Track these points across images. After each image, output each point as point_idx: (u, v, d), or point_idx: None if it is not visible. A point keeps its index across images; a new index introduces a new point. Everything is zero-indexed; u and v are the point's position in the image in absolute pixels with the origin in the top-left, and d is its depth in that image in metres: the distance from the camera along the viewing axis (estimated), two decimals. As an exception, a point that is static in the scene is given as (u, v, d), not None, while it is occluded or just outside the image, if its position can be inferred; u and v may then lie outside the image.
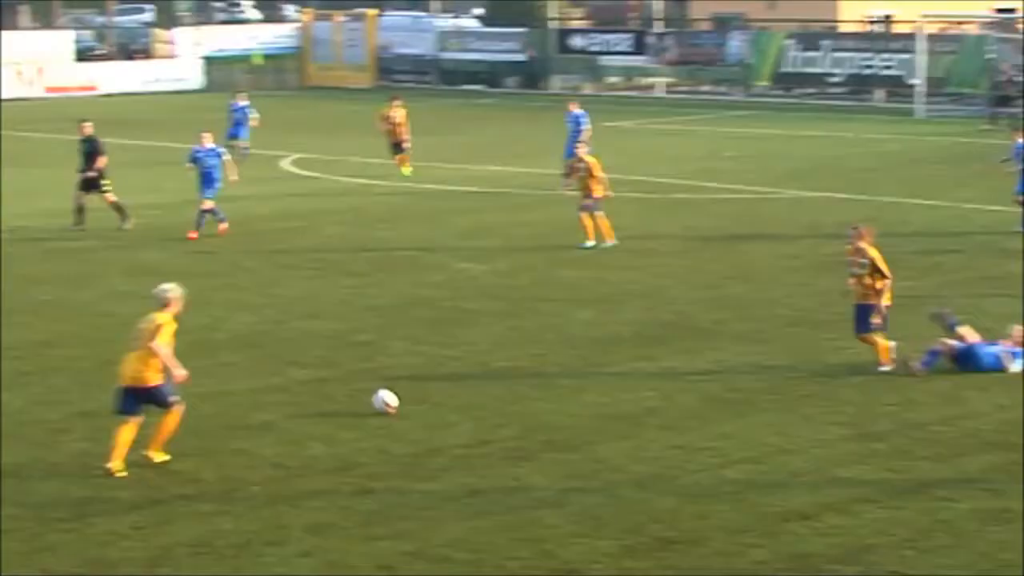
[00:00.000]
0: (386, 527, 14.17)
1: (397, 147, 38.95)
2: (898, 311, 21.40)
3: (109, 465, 15.51)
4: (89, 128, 31.43)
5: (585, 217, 28.51)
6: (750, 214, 32.69)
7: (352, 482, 15.43)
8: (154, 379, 15.76)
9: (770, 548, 13.67)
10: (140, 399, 15.76)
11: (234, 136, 41.35)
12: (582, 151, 29.50)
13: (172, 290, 16.08)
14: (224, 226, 29.71)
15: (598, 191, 28.67)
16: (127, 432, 15.67)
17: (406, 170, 38.27)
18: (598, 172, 28.81)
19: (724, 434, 16.98)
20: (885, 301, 19.43)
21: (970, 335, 19.60)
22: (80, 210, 30.72)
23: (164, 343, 15.63)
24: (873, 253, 19.55)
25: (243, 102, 42.38)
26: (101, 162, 30.84)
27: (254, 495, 15.08)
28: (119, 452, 15.61)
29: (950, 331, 19.64)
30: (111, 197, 30.80)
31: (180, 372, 15.66)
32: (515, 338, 21.55)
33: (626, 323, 22.53)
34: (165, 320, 15.88)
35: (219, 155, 30.14)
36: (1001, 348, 19.44)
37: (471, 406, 18.15)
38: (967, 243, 28.71)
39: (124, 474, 15.55)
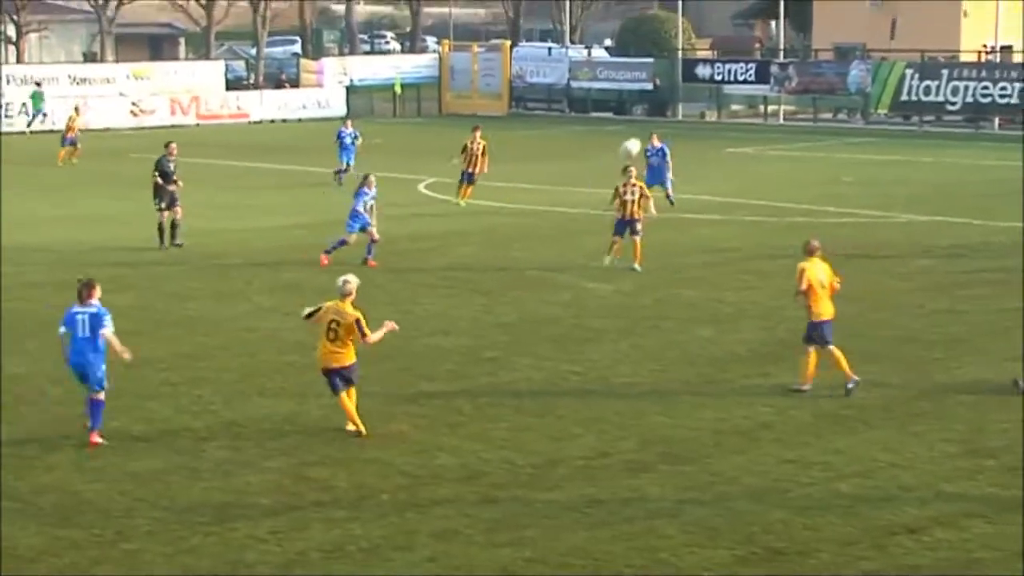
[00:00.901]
0: (509, 534, 14.20)
1: (469, 177, 37.42)
2: (1004, 334, 21.13)
3: (352, 427, 17.41)
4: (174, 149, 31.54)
5: (619, 239, 28.15)
6: (866, 237, 32.34)
7: (477, 491, 15.47)
8: (351, 359, 17.64)
9: (879, 560, 13.50)
10: (343, 377, 17.56)
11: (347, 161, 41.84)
12: (634, 175, 28.85)
13: (351, 281, 17.84)
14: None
15: (640, 214, 28.30)
16: (346, 402, 17.59)
17: (463, 200, 37.20)
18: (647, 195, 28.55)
19: (836, 449, 16.81)
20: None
21: None
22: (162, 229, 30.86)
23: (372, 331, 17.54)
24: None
25: (348, 128, 42.63)
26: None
27: (384, 502, 15.17)
28: (352, 415, 17.51)
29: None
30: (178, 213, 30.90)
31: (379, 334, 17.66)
32: (636, 355, 21.49)
33: (743, 342, 22.38)
34: (357, 310, 17.60)
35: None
36: None
37: (593, 419, 18.13)
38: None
39: (363, 431, 17.14)
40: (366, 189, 28.85)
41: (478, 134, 37.96)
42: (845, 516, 14.59)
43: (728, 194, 39.31)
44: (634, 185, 28.48)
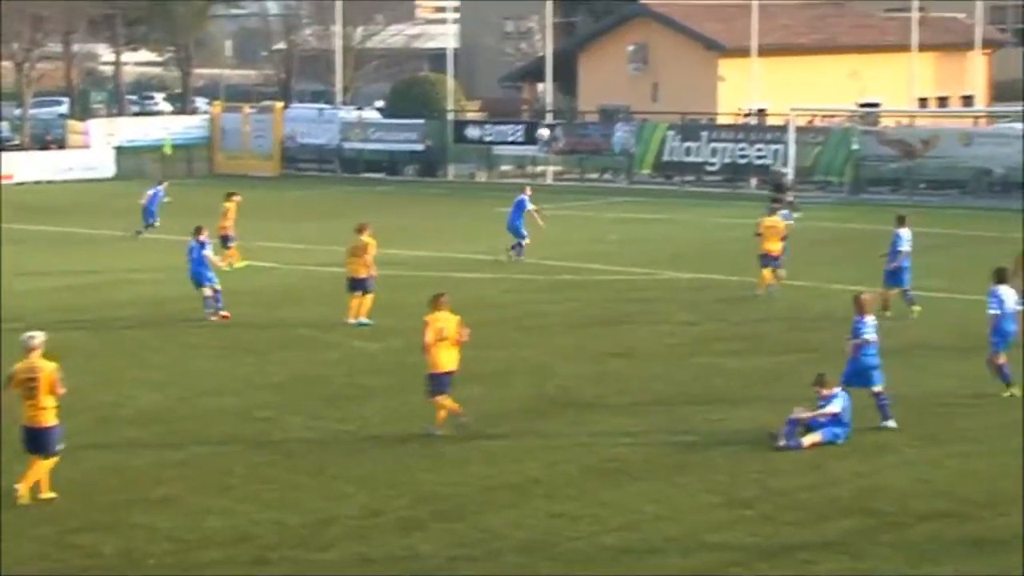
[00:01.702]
0: (280, 595, 14.07)
1: (225, 240, 37.17)
2: (761, 385, 21.74)
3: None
4: None
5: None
6: (631, 294, 32.93)
7: (248, 553, 15.30)
8: (51, 420, 16.99)
9: (644, 610, 13.70)
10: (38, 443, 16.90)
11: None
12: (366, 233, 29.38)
13: (37, 336, 17.26)
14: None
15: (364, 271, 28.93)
16: (36, 466, 17.03)
17: (238, 263, 36.90)
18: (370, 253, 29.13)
19: (602, 502, 17.04)
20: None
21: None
22: None
23: None
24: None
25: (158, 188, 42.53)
26: None
27: (151, 568, 14.89)
28: (29, 481, 16.95)
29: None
30: None
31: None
32: (407, 413, 21.51)
33: (513, 398, 22.59)
34: (50, 362, 17.01)
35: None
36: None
37: (365, 478, 18.08)
38: (830, 321, 29.04)
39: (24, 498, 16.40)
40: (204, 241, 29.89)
41: (236, 198, 37.96)
42: (611, 567, 14.79)
43: (497, 252, 39.66)
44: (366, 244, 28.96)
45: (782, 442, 19.16)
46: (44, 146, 71.83)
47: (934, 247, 37.57)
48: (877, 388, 20.41)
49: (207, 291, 29.74)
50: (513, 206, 39.02)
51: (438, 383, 20.14)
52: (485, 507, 16.90)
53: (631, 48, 70.49)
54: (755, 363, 24.96)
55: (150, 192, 44.70)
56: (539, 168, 65.65)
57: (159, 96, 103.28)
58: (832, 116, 62.10)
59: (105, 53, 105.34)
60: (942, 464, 18.67)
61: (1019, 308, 22.43)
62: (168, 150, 71.61)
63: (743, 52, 64.14)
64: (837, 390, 19.69)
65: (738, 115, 64.17)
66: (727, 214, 51.02)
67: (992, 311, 22.20)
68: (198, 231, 30.21)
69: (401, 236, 43.12)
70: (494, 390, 23.06)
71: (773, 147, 58.21)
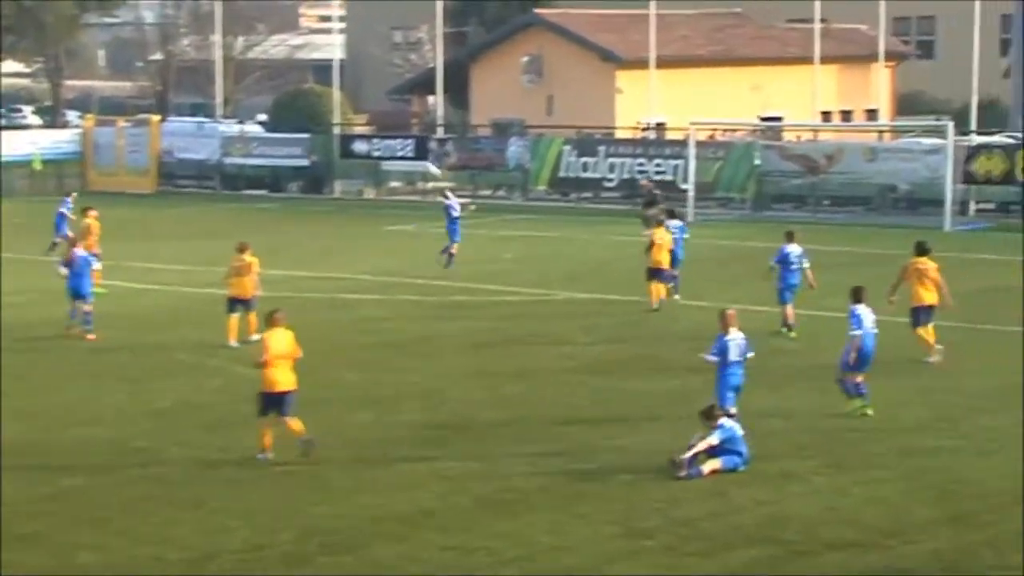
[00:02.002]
0: (158, 636, 13.90)
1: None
2: (663, 408, 21.86)
3: None
4: None
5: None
6: (527, 315, 33.00)
7: (124, 591, 15.11)
8: None
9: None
10: None
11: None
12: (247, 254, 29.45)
13: None
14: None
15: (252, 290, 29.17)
16: None
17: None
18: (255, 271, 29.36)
19: (498, 533, 17.03)
20: None
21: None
22: None
23: None
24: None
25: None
26: None
27: (22, 607, 14.68)
28: None
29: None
30: None
31: None
32: (292, 440, 21.36)
33: (404, 425, 22.53)
34: None
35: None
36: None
37: (248, 511, 17.95)
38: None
39: None
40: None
41: (92, 213, 37.68)
42: (508, 602, 14.78)
43: (388, 273, 39.61)
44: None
45: (683, 472, 19.24)
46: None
47: (838, 265, 38.02)
48: (731, 410, 20.62)
49: (86, 307, 29.51)
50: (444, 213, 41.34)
51: (271, 402, 20.36)
52: (374, 539, 16.83)
53: (525, 59, 70.79)
54: (655, 385, 25.10)
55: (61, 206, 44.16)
56: (430, 184, 65.62)
57: (27, 109, 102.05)
58: (734, 130, 62.74)
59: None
60: (849, 492, 18.86)
61: (875, 331, 23.09)
62: (38, 166, 70.76)
63: (641, 64, 64.61)
64: (721, 421, 19.77)
65: (636, 129, 64.61)
66: (625, 231, 51.21)
67: (854, 332, 22.79)
68: (75, 243, 30.55)
69: (284, 256, 42.90)
70: (383, 416, 23.01)
71: (673, 162, 58.65)
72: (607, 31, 69.77)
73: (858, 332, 22.80)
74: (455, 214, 41.78)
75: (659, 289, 33.09)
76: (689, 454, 19.36)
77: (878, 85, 69.73)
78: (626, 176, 60.36)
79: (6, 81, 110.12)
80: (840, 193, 56.28)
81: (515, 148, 63.55)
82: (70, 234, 39.98)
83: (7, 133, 78.17)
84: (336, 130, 69.47)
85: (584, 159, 61.48)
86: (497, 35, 74.66)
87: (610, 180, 60.95)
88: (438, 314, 33.34)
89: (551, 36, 70.50)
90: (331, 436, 21.66)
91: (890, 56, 70.80)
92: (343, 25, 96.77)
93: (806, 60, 65.81)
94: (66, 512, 17.86)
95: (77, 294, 30.13)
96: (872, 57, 68.48)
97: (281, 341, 20.49)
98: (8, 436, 21.64)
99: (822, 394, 24.14)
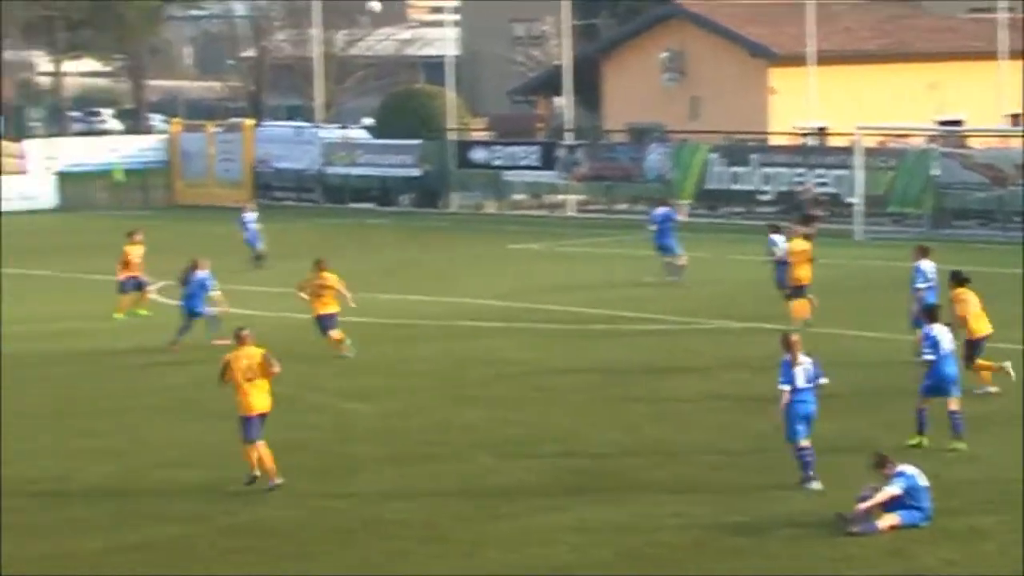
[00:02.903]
0: None
1: (137, 284, 38.19)
2: (828, 455, 21.70)
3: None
4: None
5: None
6: (672, 347, 32.91)
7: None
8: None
9: None
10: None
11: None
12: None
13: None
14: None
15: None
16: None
17: (139, 310, 38.01)
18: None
19: (644, 594, 17.02)
20: None
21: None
22: None
23: None
24: None
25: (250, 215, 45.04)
26: None
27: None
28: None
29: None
30: None
31: None
32: (408, 489, 21.49)
33: (535, 470, 22.56)
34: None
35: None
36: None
37: (357, 565, 18.08)
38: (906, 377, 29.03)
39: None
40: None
41: (137, 237, 39.20)
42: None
43: (513, 298, 39.68)
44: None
45: (855, 527, 19.08)
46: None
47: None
48: (802, 443, 21.29)
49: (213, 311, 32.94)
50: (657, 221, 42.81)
51: (250, 427, 21.44)
52: (504, 600, 16.88)
53: (665, 55, 70.68)
54: (820, 429, 24.89)
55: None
56: (559, 197, 65.76)
57: (107, 112, 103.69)
58: (906, 136, 62.16)
59: (42, 62, 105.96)
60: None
61: (951, 348, 23.52)
62: (119, 176, 71.82)
63: (798, 60, 64.28)
64: (900, 468, 19.61)
65: (794, 135, 64.31)
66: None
67: (927, 356, 23.24)
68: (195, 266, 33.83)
69: (396, 278, 43.23)
70: (511, 461, 23.04)
71: (836, 172, 58.25)
72: (758, 23, 69.51)
73: (931, 357, 23.16)
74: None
75: (802, 306, 33.21)
76: (864, 506, 19.19)
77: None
78: (783, 188, 60.06)
79: (84, 81, 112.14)
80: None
81: (654, 156, 63.49)
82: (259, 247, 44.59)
83: (84, 140, 79.52)
84: (451, 136, 69.77)
85: (735, 169, 61.26)
86: (632, 28, 74.61)
87: (764, 192, 60.67)
88: (570, 344, 33.35)
89: (694, 29, 70.35)
90: (447, 483, 21.77)
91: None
92: (457, 17, 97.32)
93: (990, 55, 65.14)
94: (154, 563, 18.10)
95: (192, 312, 32.95)
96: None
97: (249, 360, 21.67)
98: (93, 477, 21.98)
99: (1007, 444, 23.79)
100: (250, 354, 21.76)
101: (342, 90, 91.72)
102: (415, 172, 68.35)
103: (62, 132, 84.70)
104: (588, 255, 51.77)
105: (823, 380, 21.84)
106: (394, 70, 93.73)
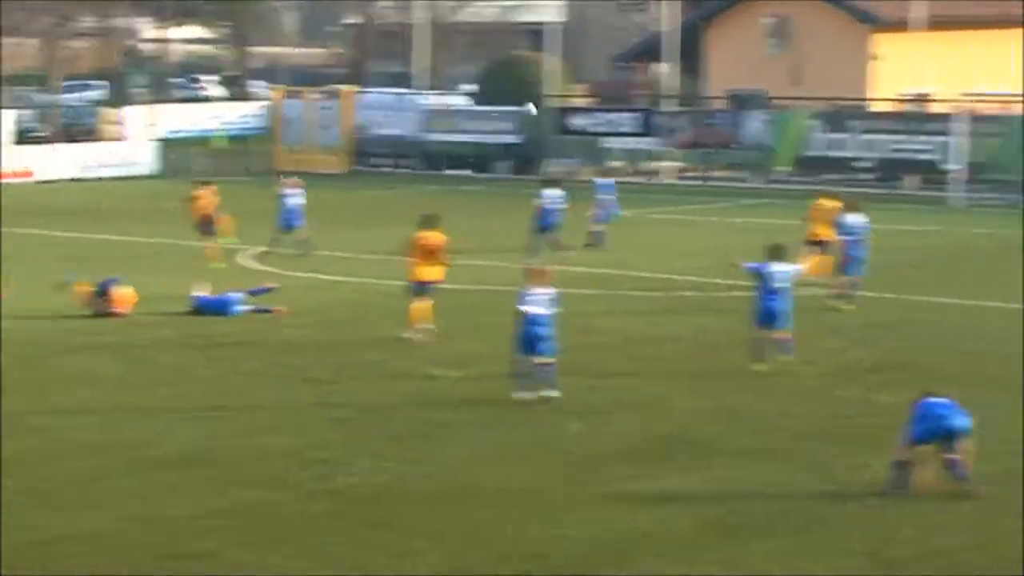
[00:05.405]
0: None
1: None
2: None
3: None
4: None
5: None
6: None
7: (300, 617, 15.41)
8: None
9: None
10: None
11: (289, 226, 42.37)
12: None
13: None
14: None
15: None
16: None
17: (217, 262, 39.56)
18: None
19: (724, 561, 17.00)
20: None
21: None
22: None
23: None
24: None
25: (292, 189, 42.99)
26: None
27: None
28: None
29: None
30: None
31: None
32: (492, 454, 21.55)
33: (619, 437, 22.57)
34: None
35: None
36: None
37: (441, 531, 18.15)
38: (1004, 346, 28.83)
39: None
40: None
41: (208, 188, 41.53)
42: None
43: (604, 264, 39.67)
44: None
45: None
46: (72, 138, 72.78)
47: None
48: (543, 359, 24.44)
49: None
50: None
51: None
52: (586, 566, 16.88)
53: (769, 21, 70.26)
54: (910, 398, 24.70)
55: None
56: (662, 163, 65.57)
57: (209, 80, 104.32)
58: (1010, 102, 61.48)
59: (147, 29, 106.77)
60: None
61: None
62: (221, 143, 72.31)
63: (901, 26, 63.70)
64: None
65: (896, 101, 63.78)
66: (882, 219, 50.67)
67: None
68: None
69: (489, 245, 43.28)
70: (596, 428, 23.06)
71: (938, 138, 57.73)
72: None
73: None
74: None
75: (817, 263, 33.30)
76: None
77: None
78: (883, 155, 59.59)
79: (188, 48, 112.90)
80: None
81: (754, 123, 63.19)
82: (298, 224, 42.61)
83: (185, 106, 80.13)
84: (549, 102, 69.66)
85: (834, 136, 60.84)
86: (736, -6, 74.18)
87: (864, 160, 60.22)
88: (661, 311, 33.32)
89: (798, -6, 69.87)
90: (536, 449, 21.82)
91: None
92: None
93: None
94: (240, 529, 18.24)
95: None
96: None
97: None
98: (179, 443, 22.19)
99: None
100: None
101: (444, 57, 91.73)
102: (513, 139, 68.39)
103: (164, 99, 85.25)
104: (684, 222, 51.65)
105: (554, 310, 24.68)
106: (497, 36, 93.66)
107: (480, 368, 27.23)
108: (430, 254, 30.03)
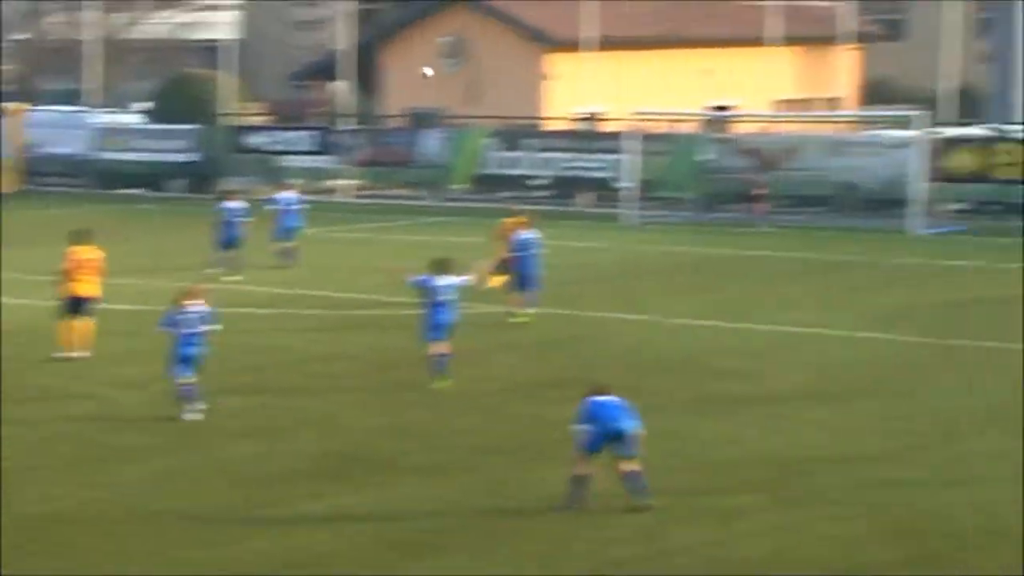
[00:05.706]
0: None
1: None
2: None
3: None
4: None
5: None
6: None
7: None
8: None
9: None
10: None
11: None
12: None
13: None
14: None
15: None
16: None
17: None
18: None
19: (403, 580, 17.06)
20: None
21: None
22: None
23: None
24: None
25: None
26: None
27: None
28: None
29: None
30: None
31: None
32: (170, 478, 21.30)
33: (295, 456, 22.51)
34: None
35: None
36: None
37: (116, 553, 17.86)
38: (674, 363, 29.45)
39: None
40: None
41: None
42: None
43: (280, 284, 39.48)
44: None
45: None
46: None
47: (794, 274, 38.33)
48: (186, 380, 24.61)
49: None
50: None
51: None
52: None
53: (445, 41, 70.81)
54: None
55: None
56: (339, 181, 65.51)
57: None
58: (679, 121, 62.92)
59: None
60: (801, 530, 19.00)
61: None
62: None
63: (573, 45, 64.79)
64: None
65: (569, 120, 64.82)
66: (556, 236, 51.41)
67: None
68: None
69: (164, 264, 42.75)
70: (272, 447, 22.98)
71: (610, 157, 58.78)
72: (539, 9, 69.83)
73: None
74: None
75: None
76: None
77: (842, 70, 70.22)
78: (558, 173, 60.51)
79: None
80: (798, 192, 56.52)
81: (431, 142, 63.58)
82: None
83: None
84: (224, 121, 69.13)
85: (510, 154, 61.57)
86: (412, 13, 74.55)
87: (539, 177, 61.07)
88: (336, 329, 33.33)
89: (474, 15, 70.52)
90: (208, 470, 21.65)
91: (858, 38, 71.35)
92: (237, 1, 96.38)
93: (761, 41, 66.20)
94: None
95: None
96: (836, 39, 69.00)
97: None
98: None
99: (773, 420, 24.31)
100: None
101: (119, 73, 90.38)
102: (188, 157, 67.76)
103: None
104: (363, 240, 51.70)
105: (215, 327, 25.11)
106: (172, 54, 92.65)
107: (155, 388, 26.87)
108: (83, 270, 29.70)
